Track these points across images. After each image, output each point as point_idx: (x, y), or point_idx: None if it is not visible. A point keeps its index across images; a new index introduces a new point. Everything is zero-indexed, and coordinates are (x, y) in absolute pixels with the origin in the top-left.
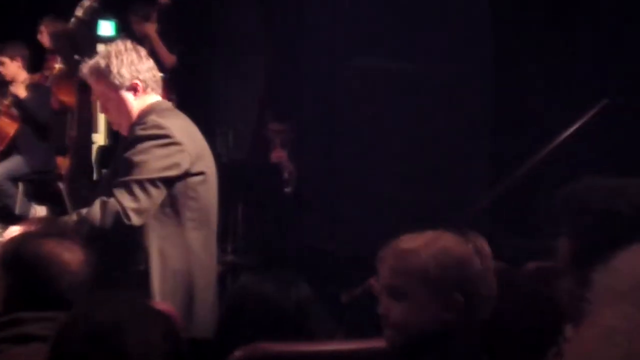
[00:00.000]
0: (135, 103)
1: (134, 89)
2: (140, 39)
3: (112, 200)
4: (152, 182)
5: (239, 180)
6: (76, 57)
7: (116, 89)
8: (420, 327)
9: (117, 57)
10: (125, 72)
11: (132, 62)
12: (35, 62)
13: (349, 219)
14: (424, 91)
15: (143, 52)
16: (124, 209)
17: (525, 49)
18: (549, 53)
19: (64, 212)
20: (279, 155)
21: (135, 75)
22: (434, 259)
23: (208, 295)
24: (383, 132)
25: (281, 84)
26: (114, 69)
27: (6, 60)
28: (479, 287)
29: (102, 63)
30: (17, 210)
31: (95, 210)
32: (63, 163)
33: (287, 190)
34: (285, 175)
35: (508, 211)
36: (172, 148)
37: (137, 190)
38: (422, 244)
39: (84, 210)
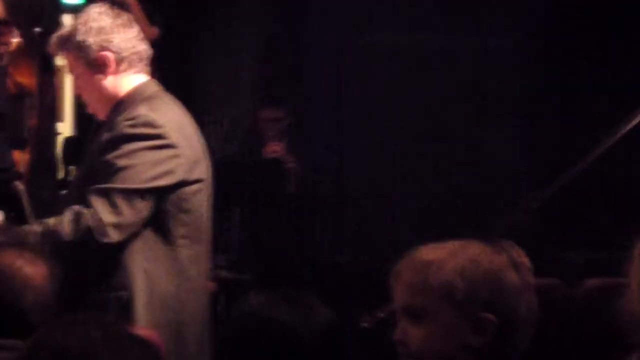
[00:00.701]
0: (109, 81)
1: (103, 63)
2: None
3: (87, 211)
4: (139, 192)
5: (233, 180)
6: (37, 29)
7: (83, 62)
8: (445, 354)
9: (85, 24)
10: (92, 41)
11: (101, 30)
12: None
13: (364, 223)
14: (449, 71)
15: (124, 17)
16: (101, 223)
17: (575, 26)
18: (602, 32)
19: (23, 217)
20: (275, 149)
21: (105, 46)
22: (460, 273)
23: (201, 322)
24: (401, 120)
25: (280, 63)
26: (79, 38)
27: None
28: (515, 306)
29: (68, 32)
30: None
31: (65, 221)
32: (21, 158)
33: (290, 190)
34: (291, 175)
35: (562, 217)
36: (166, 152)
37: (119, 202)
38: (445, 255)
39: (50, 221)
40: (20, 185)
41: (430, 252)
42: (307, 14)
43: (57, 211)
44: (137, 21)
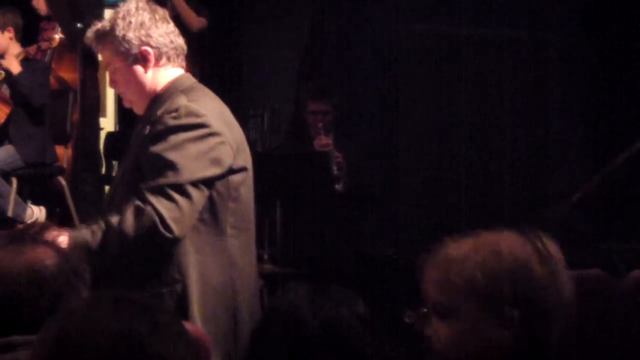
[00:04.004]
0: (148, 76)
1: (144, 57)
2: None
3: (148, 208)
4: (194, 184)
5: (276, 173)
6: (79, 25)
7: (123, 57)
8: (473, 351)
9: (124, 19)
10: (132, 36)
11: (141, 25)
12: (29, 31)
13: (413, 217)
14: (503, 64)
15: (161, 12)
16: (162, 219)
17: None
18: None
19: (66, 213)
20: (324, 142)
21: (146, 41)
22: (481, 268)
23: (253, 313)
24: (453, 113)
25: (328, 54)
26: (119, 33)
27: None
28: (542, 298)
29: (107, 26)
30: (9, 212)
31: (128, 219)
32: (64, 154)
33: (337, 187)
34: (334, 168)
35: (608, 207)
36: (212, 140)
37: (176, 196)
38: (469, 250)
39: (113, 218)
40: (63, 181)
41: (454, 248)
42: (355, 4)
43: (104, 207)
44: (184, 12)
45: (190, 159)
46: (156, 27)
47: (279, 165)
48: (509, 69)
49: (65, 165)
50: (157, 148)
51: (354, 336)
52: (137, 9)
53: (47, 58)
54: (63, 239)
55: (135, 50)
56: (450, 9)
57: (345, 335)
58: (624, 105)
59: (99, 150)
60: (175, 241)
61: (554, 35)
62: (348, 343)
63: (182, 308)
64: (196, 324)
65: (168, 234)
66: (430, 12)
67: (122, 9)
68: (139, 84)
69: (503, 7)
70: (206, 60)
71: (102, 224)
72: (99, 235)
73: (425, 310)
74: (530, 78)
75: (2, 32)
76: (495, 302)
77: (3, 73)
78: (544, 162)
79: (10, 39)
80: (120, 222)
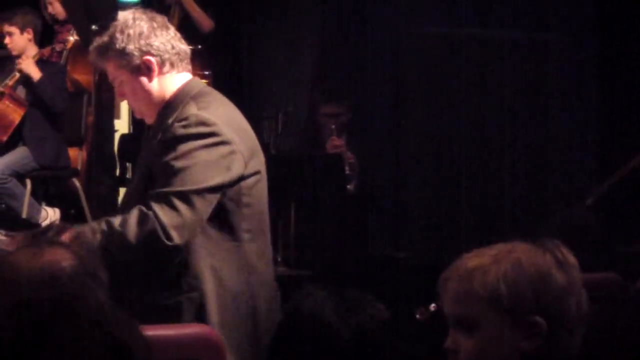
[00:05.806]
0: (154, 85)
1: (147, 67)
2: (169, 3)
3: (150, 214)
4: (199, 193)
5: (290, 176)
6: (93, 27)
7: (126, 70)
8: None
9: (122, 32)
10: (132, 48)
11: (140, 35)
12: (44, 34)
13: (422, 219)
14: (505, 64)
15: (159, 19)
16: (163, 226)
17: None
18: None
19: (80, 215)
20: (337, 144)
21: (146, 50)
22: (503, 279)
23: (273, 317)
24: (461, 114)
25: (338, 57)
26: (119, 47)
27: (15, 31)
28: (564, 306)
29: (106, 41)
30: (24, 214)
31: (131, 223)
32: (78, 156)
33: (349, 187)
34: (347, 169)
35: (621, 210)
36: (222, 149)
37: (179, 204)
38: (488, 262)
39: (116, 220)
40: (77, 183)
41: (474, 259)
42: (364, 8)
43: (117, 212)
44: (196, 13)
45: (198, 168)
46: (155, 35)
47: (293, 168)
48: (509, 70)
49: (79, 167)
50: (166, 157)
51: (381, 340)
52: (134, 19)
53: (62, 60)
54: (65, 235)
55: (137, 62)
56: (451, 10)
57: (374, 340)
58: (625, 106)
59: (113, 152)
60: (176, 249)
61: (554, 36)
62: (377, 347)
63: (201, 315)
64: (215, 330)
65: (168, 242)
66: (433, 14)
67: (120, 21)
68: (146, 94)
69: (504, 8)
70: (218, 62)
71: (104, 226)
72: (99, 236)
73: (435, 307)
74: (530, 78)
75: (22, 33)
76: (519, 313)
77: (18, 74)
78: (544, 162)
79: (29, 40)
80: (122, 226)
